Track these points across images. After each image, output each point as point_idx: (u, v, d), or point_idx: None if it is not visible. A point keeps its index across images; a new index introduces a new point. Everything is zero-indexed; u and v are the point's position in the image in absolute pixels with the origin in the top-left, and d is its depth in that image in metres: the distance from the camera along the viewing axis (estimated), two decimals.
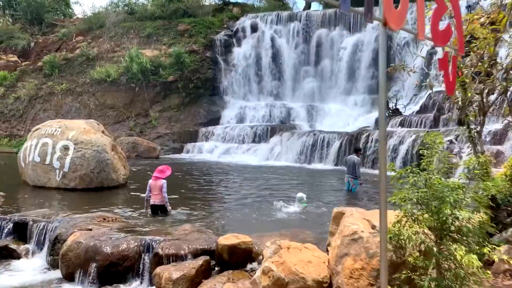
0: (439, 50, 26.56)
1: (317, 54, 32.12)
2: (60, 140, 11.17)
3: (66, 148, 11.11)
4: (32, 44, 37.44)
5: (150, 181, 8.60)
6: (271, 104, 29.65)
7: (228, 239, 5.71)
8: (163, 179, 8.60)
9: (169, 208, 8.58)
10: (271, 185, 13.45)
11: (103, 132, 12.23)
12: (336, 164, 21.01)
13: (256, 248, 5.84)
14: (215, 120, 28.93)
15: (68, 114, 30.23)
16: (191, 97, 29.93)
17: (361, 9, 2.82)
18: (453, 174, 16.07)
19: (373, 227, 4.13)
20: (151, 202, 8.49)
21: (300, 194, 9.63)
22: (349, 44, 31.09)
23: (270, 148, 23.73)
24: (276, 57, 32.07)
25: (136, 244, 6.06)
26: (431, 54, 26.45)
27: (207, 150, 26.29)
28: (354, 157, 11.80)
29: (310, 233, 6.51)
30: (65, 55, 34.43)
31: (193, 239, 6.13)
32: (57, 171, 11.10)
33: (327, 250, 5.72)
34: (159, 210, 8.53)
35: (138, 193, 11.23)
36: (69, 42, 36.32)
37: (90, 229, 6.63)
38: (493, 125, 17.19)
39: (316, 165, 21.33)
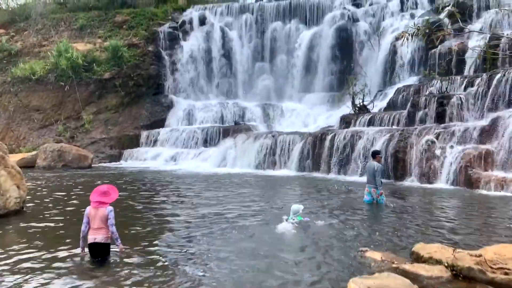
0: (403, 42, 24.65)
1: (272, 49, 29.57)
2: None
3: None
4: None
5: (89, 209, 5.65)
6: (223, 103, 26.62)
7: None
8: (109, 204, 5.65)
9: (120, 246, 5.68)
10: (232, 198, 10.49)
11: None
12: (300, 170, 18.31)
13: None
14: (159, 122, 25.44)
15: None
16: (131, 96, 26.27)
17: None
18: (436, 179, 13.66)
19: None
20: (90, 239, 5.53)
21: (296, 206, 7.69)
22: (305, 38, 28.72)
23: (223, 152, 20.67)
24: (227, 52, 29.13)
25: None
26: (395, 45, 24.51)
27: (150, 157, 22.82)
28: (373, 163, 9.93)
29: None
30: None
31: None
32: None
33: None
34: (101, 252, 5.54)
35: (37, 225, 7.83)
36: None
37: None
38: (478, 122, 15.10)
39: (277, 171, 18.55)
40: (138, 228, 7.51)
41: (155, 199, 11.01)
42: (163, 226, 7.67)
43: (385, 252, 5.62)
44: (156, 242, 6.52)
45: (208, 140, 22.79)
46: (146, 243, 6.43)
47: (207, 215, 8.49)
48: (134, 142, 24.36)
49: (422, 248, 5.53)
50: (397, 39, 24.29)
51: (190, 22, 29.64)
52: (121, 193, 12.09)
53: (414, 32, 5.32)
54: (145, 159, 22.83)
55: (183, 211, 9.20)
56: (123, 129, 24.91)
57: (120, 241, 5.69)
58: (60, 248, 6.13)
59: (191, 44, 28.56)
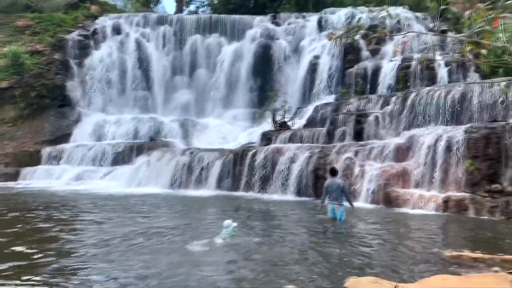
0: (321, 61, 24.99)
1: (192, 63, 28.53)
2: None
3: None
4: None
5: None
6: (138, 117, 24.92)
7: None
8: None
9: None
10: (148, 223, 9.13)
11: None
12: (219, 188, 17.31)
13: None
14: (64, 137, 23.06)
15: None
16: (32, 108, 23.63)
17: None
18: (355, 197, 13.33)
19: None
20: None
21: (228, 221, 7.85)
22: (227, 53, 28.14)
23: (136, 171, 19.04)
24: (143, 63, 27.55)
25: None
26: (314, 64, 24.77)
27: (52, 176, 20.44)
28: (337, 180, 10.11)
29: None
30: None
31: None
32: None
33: None
34: None
35: None
36: None
37: None
38: (394, 139, 15.28)
39: (195, 191, 17.35)
40: (23, 258, 6.00)
41: (52, 224, 9.32)
42: (52, 263, 6.21)
43: None
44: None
45: (120, 158, 20.98)
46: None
47: (111, 247, 7.17)
48: (34, 159, 21.75)
49: (355, 284, 4.81)
50: (315, 57, 24.60)
51: (103, 31, 27.71)
52: (12, 216, 10.27)
53: (344, 34, 4.66)
54: (46, 178, 20.40)
55: (81, 242, 7.75)
56: (22, 145, 22.19)
57: None
58: None
59: (104, 53, 26.60)
